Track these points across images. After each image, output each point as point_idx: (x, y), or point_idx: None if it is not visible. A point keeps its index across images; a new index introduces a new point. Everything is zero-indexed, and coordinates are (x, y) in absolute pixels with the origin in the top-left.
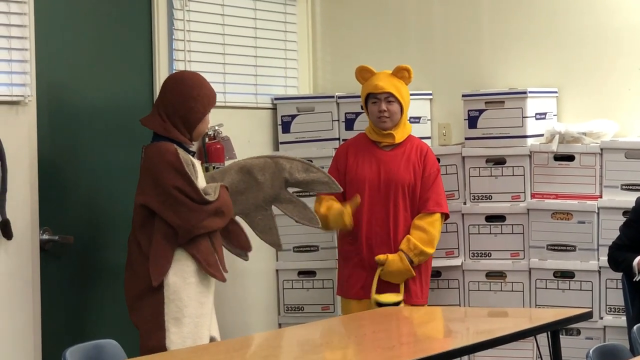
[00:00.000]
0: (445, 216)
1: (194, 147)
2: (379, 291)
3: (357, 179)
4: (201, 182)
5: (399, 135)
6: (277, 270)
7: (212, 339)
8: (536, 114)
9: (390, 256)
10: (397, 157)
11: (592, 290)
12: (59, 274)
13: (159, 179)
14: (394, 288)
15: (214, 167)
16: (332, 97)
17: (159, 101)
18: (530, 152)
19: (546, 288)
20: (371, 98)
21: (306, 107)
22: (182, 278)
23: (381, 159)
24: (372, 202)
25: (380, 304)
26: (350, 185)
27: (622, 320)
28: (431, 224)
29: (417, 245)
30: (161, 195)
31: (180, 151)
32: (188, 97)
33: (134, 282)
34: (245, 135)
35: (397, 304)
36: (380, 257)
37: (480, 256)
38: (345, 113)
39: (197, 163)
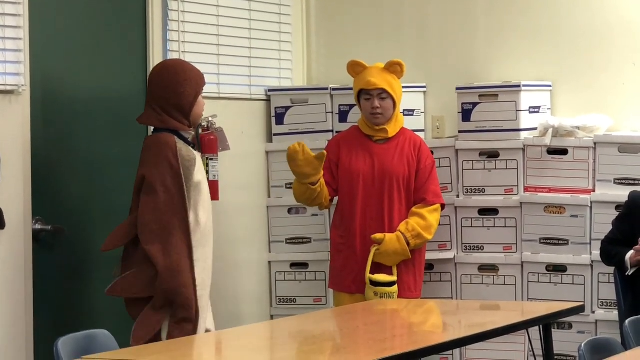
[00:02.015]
0: (442, 207)
1: (191, 133)
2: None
3: (351, 172)
4: (198, 175)
5: (392, 130)
6: (269, 262)
7: (206, 330)
8: (530, 107)
9: (388, 235)
10: (390, 150)
11: (584, 284)
12: (52, 264)
13: (153, 172)
14: (386, 272)
15: (207, 158)
16: (326, 89)
17: (149, 96)
18: (524, 145)
19: (538, 282)
20: (364, 94)
21: (300, 98)
22: None
23: (375, 152)
24: (367, 195)
25: (374, 283)
26: (344, 178)
27: (614, 315)
28: (429, 212)
29: (415, 227)
30: (146, 185)
31: (182, 145)
32: (175, 84)
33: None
34: (239, 127)
35: (391, 283)
36: (378, 235)
37: (473, 249)
38: (339, 105)
39: (198, 155)
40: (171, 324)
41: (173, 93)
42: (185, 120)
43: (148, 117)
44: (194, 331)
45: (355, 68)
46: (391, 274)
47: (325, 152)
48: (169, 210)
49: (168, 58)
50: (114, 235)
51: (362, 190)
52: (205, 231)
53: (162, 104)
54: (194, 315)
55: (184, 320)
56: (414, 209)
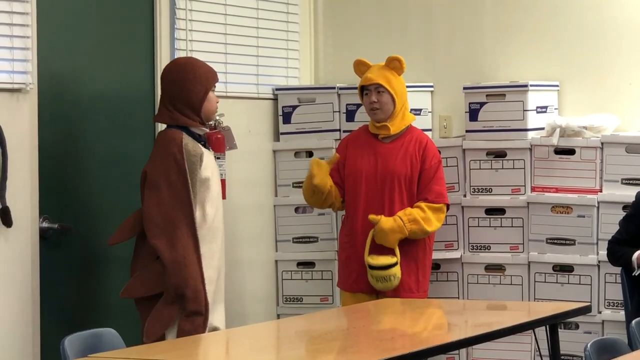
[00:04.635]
0: (447, 207)
1: (204, 129)
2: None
3: (355, 171)
4: (206, 171)
5: (395, 127)
6: (276, 261)
7: (214, 329)
8: (537, 107)
9: (384, 217)
10: (395, 150)
11: (591, 285)
12: (58, 262)
13: (158, 166)
14: (390, 253)
15: (215, 157)
16: (333, 88)
17: (162, 94)
18: (531, 145)
19: (545, 282)
20: (364, 90)
21: (307, 97)
22: None
23: (379, 151)
24: (369, 194)
25: (372, 267)
26: (348, 177)
27: (621, 315)
28: (429, 207)
29: (412, 212)
30: (152, 182)
31: (189, 140)
32: (185, 81)
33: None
34: (246, 126)
35: (390, 266)
36: (374, 216)
37: (480, 249)
38: (346, 104)
39: (207, 152)
40: (181, 317)
41: (182, 90)
42: (195, 117)
43: (161, 115)
44: (204, 324)
45: (360, 67)
46: (394, 255)
47: (337, 154)
48: (174, 204)
49: (175, 57)
50: (120, 229)
51: (365, 190)
52: (212, 227)
53: (173, 101)
54: (204, 308)
55: (193, 314)
56: (417, 203)
